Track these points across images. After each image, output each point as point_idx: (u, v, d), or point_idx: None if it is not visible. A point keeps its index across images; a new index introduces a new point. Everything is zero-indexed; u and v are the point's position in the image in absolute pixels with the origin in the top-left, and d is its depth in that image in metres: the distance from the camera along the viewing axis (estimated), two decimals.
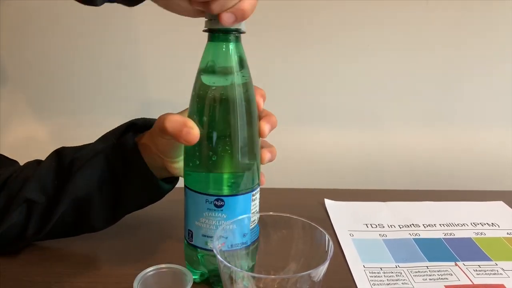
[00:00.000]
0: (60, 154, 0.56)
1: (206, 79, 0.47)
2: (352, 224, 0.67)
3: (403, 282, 0.54)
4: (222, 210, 0.48)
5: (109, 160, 0.54)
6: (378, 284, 0.53)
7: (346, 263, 0.58)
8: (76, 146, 0.57)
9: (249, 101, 0.48)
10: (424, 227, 0.66)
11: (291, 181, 0.83)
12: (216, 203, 0.48)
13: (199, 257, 0.51)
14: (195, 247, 0.50)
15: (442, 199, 0.74)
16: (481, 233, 0.65)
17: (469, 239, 0.64)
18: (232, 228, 0.48)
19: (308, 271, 0.42)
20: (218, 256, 0.43)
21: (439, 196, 0.75)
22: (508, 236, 0.64)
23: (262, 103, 0.51)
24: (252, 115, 0.49)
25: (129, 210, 0.58)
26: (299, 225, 0.49)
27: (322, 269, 0.43)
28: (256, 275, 0.42)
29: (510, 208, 0.72)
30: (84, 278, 0.55)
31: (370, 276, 0.55)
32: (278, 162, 0.88)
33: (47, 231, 0.55)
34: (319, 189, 0.78)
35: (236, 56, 0.47)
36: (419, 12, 0.79)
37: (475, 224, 0.67)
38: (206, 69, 0.47)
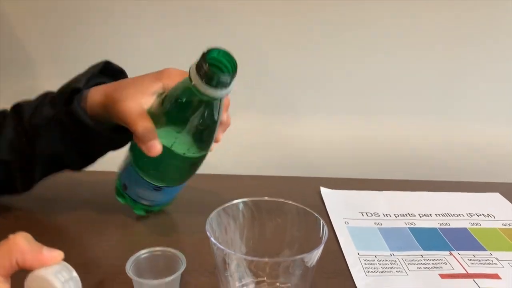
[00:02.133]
0: (18, 113, 0.56)
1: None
2: (347, 212, 0.66)
3: (398, 270, 0.54)
4: (160, 192, 0.57)
5: (64, 125, 0.54)
6: (372, 271, 0.53)
7: (341, 250, 0.57)
8: (31, 103, 0.56)
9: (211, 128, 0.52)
10: (420, 216, 0.66)
11: (287, 170, 0.82)
12: (156, 188, 0.56)
13: (125, 198, 0.59)
14: (128, 194, 0.58)
15: (438, 189, 0.74)
16: (477, 224, 0.65)
17: (465, 229, 0.63)
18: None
19: (301, 255, 0.41)
20: (212, 239, 0.42)
21: (435, 187, 0.75)
22: (504, 227, 0.64)
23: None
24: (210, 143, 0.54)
25: (100, 156, 0.59)
26: (294, 210, 0.49)
27: (316, 253, 0.42)
28: (249, 257, 0.42)
29: (506, 200, 0.72)
30: (77, 260, 0.54)
31: (365, 264, 0.55)
32: (274, 151, 0.88)
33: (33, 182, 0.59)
34: (315, 178, 0.78)
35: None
36: (421, 3, 0.78)
37: (471, 215, 0.67)
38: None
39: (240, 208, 0.49)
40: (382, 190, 0.73)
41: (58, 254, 0.36)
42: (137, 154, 0.54)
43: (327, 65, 0.83)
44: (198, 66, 0.46)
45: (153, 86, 0.52)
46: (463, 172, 0.84)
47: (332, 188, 0.73)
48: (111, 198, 0.62)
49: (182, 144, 0.51)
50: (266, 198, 0.50)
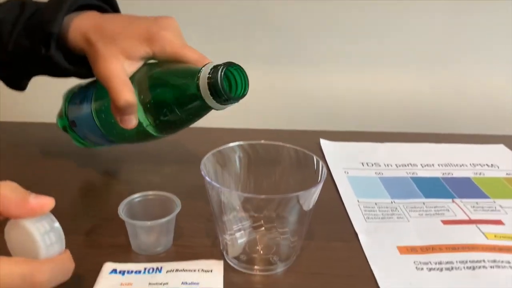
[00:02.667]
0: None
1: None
2: (347, 162, 0.65)
3: (398, 216, 0.52)
4: (110, 142, 0.55)
5: (40, 59, 0.50)
6: (372, 218, 0.52)
7: (340, 199, 0.56)
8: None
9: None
10: (422, 166, 0.64)
11: (287, 123, 0.80)
12: (108, 140, 0.54)
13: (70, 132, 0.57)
14: (75, 131, 0.56)
15: (441, 142, 0.72)
16: (480, 173, 0.63)
17: (468, 178, 0.62)
18: None
19: (298, 192, 0.40)
20: (206, 178, 0.41)
21: (438, 139, 0.73)
22: (508, 176, 0.63)
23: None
24: None
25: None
26: (292, 153, 0.47)
27: (314, 192, 0.41)
28: (243, 193, 0.41)
29: (510, 151, 0.70)
30: (69, 207, 0.53)
31: (364, 210, 0.53)
32: (274, 104, 0.85)
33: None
34: (315, 131, 0.76)
35: None
36: None
37: (474, 165, 0.65)
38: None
39: (236, 151, 0.47)
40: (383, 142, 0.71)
41: (47, 202, 0.33)
42: (103, 110, 0.50)
43: (328, 15, 0.80)
44: (214, 75, 0.41)
45: (141, 51, 0.46)
46: (467, 125, 0.82)
47: (332, 141, 0.71)
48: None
49: (154, 127, 0.48)
50: (262, 141, 0.48)
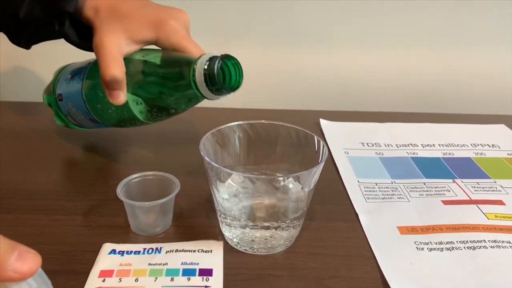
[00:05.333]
0: None
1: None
2: (347, 142, 0.64)
3: (399, 196, 0.52)
4: (92, 123, 0.54)
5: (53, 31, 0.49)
6: (372, 198, 0.52)
7: (340, 179, 0.56)
8: None
9: None
10: (423, 146, 0.64)
11: (286, 103, 0.80)
12: (92, 119, 0.53)
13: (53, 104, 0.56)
14: (59, 106, 0.55)
15: (442, 122, 0.71)
16: (481, 154, 0.63)
17: (469, 158, 0.61)
18: None
19: (300, 172, 0.39)
20: (206, 158, 0.40)
21: (439, 119, 0.72)
22: (509, 156, 0.62)
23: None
24: None
25: None
26: (292, 132, 0.47)
27: (315, 172, 0.40)
28: (243, 174, 0.40)
29: (511, 131, 0.70)
30: (66, 187, 0.53)
31: (365, 191, 0.53)
32: (273, 84, 0.84)
33: None
34: (315, 111, 0.75)
35: None
36: None
37: (475, 145, 0.65)
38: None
39: (236, 131, 0.47)
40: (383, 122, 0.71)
41: (29, 267, 0.26)
42: (93, 87, 0.50)
43: None
44: (210, 65, 0.42)
45: (145, 34, 0.46)
46: (468, 105, 0.81)
47: (332, 121, 0.70)
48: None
49: (141, 111, 0.48)
50: (262, 121, 0.48)
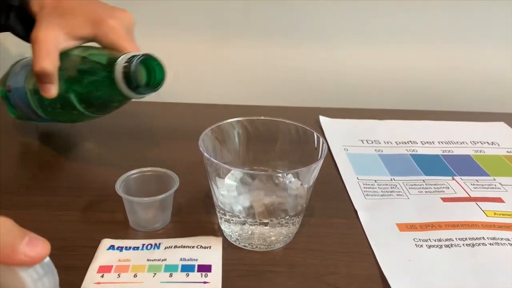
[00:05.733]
0: None
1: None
2: (347, 140, 0.64)
3: (398, 193, 0.52)
4: (35, 115, 0.54)
5: None
6: (371, 195, 0.52)
7: (339, 176, 0.56)
8: None
9: None
10: (422, 144, 0.64)
11: (285, 100, 0.79)
12: (34, 112, 0.54)
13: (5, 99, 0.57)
14: (8, 97, 0.56)
15: (442, 119, 0.71)
16: (481, 151, 0.63)
17: (468, 156, 0.61)
18: None
19: (299, 169, 0.39)
20: (205, 154, 0.40)
21: (439, 117, 0.72)
22: (508, 154, 0.62)
23: None
24: None
25: None
26: (292, 129, 0.47)
27: (314, 169, 0.40)
28: (242, 170, 0.40)
29: (511, 129, 0.70)
30: (65, 182, 0.52)
31: (364, 187, 0.53)
32: (272, 80, 0.84)
33: None
34: (314, 108, 0.75)
35: None
36: None
37: (475, 143, 0.65)
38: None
39: (235, 127, 0.47)
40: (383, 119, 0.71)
41: (40, 252, 0.28)
42: (34, 80, 0.50)
43: None
44: (127, 65, 0.43)
45: (84, 31, 0.47)
46: (468, 102, 0.81)
47: (331, 118, 0.70)
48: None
49: (76, 105, 0.48)
50: (262, 117, 0.47)
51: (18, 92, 0.54)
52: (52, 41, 0.46)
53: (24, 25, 0.51)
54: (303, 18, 0.79)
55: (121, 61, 0.44)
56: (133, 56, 0.43)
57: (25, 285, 0.28)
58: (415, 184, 0.54)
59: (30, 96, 0.52)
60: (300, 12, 0.78)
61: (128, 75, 0.43)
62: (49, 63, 0.45)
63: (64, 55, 0.47)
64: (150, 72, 0.45)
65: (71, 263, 0.40)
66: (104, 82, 0.45)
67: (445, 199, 0.51)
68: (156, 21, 0.76)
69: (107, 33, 0.47)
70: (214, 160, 0.39)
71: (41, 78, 0.46)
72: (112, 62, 0.44)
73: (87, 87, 0.47)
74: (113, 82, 0.44)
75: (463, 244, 0.44)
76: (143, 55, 0.44)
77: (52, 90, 0.47)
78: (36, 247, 0.28)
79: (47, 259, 0.29)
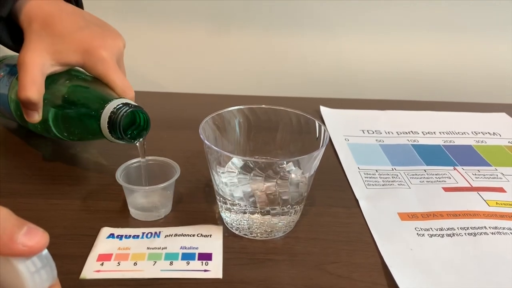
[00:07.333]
0: None
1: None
2: (347, 129, 0.64)
3: (399, 183, 0.52)
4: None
5: None
6: (373, 184, 0.51)
7: (340, 166, 0.55)
8: None
9: None
10: (423, 134, 0.63)
11: (286, 90, 0.79)
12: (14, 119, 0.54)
13: None
14: None
15: (443, 110, 0.71)
16: (482, 141, 0.62)
17: (469, 146, 0.61)
18: None
19: (300, 157, 0.39)
20: (206, 142, 0.40)
21: (440, 107, 0.72)
22: (510, 144, 0.62)
23: None
24: None
25: None
26: (293, 117, 0.46)
27: (315, 157, 0.40)
28: (243, 157, 0.40)
29: None
30: (65, 171, 0.52)
31: (365, 177, 0.53)
32: (273, 70, 0.84)
33: None
34: (315, 98, 0.75)
35: None
36: None
37: (476, 133, 0.64)
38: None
39: (236, 115, 0.46)
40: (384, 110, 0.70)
41: (38, 242, 0.27)
42: (13, 88, 0.51)
43: None
44: (113, 116, 0.43)
45: (72, 59, 0.47)
46: (470, 93, 0.81)
47: (332, 108, 0.70)
48: None
49: (56, 128, 0.48)
50: (263, 105, 0.47)
51: (1, 98, 0.54)
52: (39, 67, 0.45)
53: (12, 35, 0.49)
54: (304, 8, 0.78)
55: (107, 110, 0.43)
56: (121, 107, 0.43)
57: (22, 277, 0.27)
58: (416, 174, 0.54)
59: (12, 105, 0.52)
60: (301, 2, 0.77)
61: (113, 125, 0.43)
62: (34, 92, 0.44)
63: (50, 79, 0.47)
64: (135, 121, 0.46)
65: (71, 251, 0.39)
66: (88, 121, 0.45)
67: (446, 189, 0.51)
68: (157, 11, 0.75)
69: (96, 64, 0.47)
70: (215, 148, 0.39)
71: (25, 105, 0.46)
72: (98, 107, 0.44)
73: (69, 120, 0.47)
74: (96, 124, 0.44)
75: (465, 233, 0.44)
76: (132, 106, 0.44)
77: (36, 117, 0.47)
78: (34, 237, 0.27)
79: (45, 251, 0.29)
